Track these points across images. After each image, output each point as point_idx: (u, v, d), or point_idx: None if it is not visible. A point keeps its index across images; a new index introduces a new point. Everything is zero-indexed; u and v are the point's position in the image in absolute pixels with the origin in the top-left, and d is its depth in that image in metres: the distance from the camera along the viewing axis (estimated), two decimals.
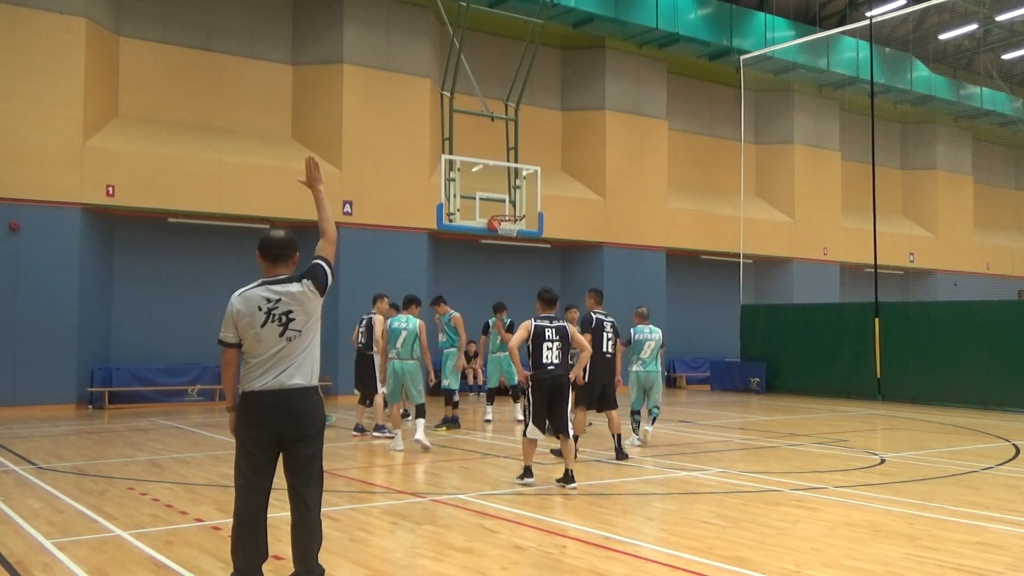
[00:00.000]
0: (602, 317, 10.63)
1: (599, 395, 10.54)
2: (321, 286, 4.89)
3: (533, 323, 8.74)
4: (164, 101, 18.63)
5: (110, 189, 17.07)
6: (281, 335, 4.77)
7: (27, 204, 16.31)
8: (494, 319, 14.75)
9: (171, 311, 18.51)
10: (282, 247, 4.91)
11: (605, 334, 10.50)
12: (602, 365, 10.43)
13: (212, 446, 11.84)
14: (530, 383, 8.62)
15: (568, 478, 8.57)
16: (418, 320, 11.65)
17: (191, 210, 18.14)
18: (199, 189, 17.97)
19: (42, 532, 6.71)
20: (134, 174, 17.33)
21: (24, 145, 16.27)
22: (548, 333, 8.70)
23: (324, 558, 5.85)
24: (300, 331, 4.82)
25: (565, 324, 8.87)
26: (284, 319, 4.78)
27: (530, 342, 8.69)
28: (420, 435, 11.27)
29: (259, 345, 4.76)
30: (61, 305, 16.45)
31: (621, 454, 10.54)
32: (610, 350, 10.54)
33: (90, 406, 17.07)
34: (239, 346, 4.84)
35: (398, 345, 11.48)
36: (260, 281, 4.88)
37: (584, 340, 9.21)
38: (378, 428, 12.71)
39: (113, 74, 18.07)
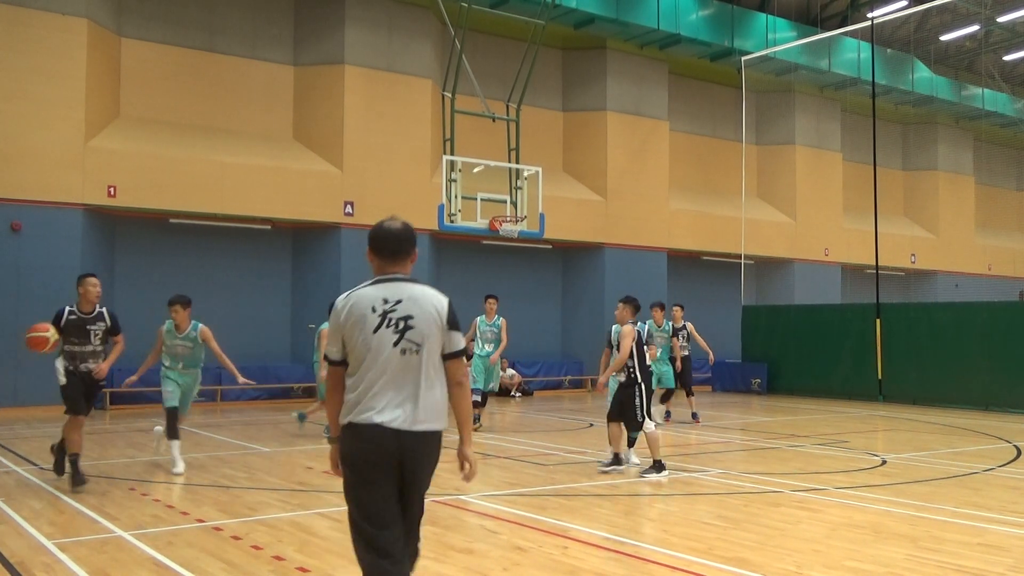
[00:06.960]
0: None
1: None
2: (452, 324, 4.02)
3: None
4: (166, 102, 18.63)
5: (111, 190, 17.08)
6: (395, 344, 3.85)
7: (29, 204, 16.32)
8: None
9: None
10: (401, 240, 4.03)
11: None
12: None
13: (213, 447, 11.82)
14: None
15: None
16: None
17: (193, 211, 18.13)
18: (201, 190, 17.97)
19: (43, 533, 6.71)
20: (136, 175, 17.33)
21: (26, 146, 16.27)
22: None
23: (325, 558, 5.87)
24: (419, 346, 3.88)
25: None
26: (402, 325, 3.87)
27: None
28: None
29: (367, 355, 3.86)
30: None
31: None
32: None
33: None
34: (345, 364, 3.95)
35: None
36: (374, 279, 4.01)
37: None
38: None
39: (115, 75, 18.07)
